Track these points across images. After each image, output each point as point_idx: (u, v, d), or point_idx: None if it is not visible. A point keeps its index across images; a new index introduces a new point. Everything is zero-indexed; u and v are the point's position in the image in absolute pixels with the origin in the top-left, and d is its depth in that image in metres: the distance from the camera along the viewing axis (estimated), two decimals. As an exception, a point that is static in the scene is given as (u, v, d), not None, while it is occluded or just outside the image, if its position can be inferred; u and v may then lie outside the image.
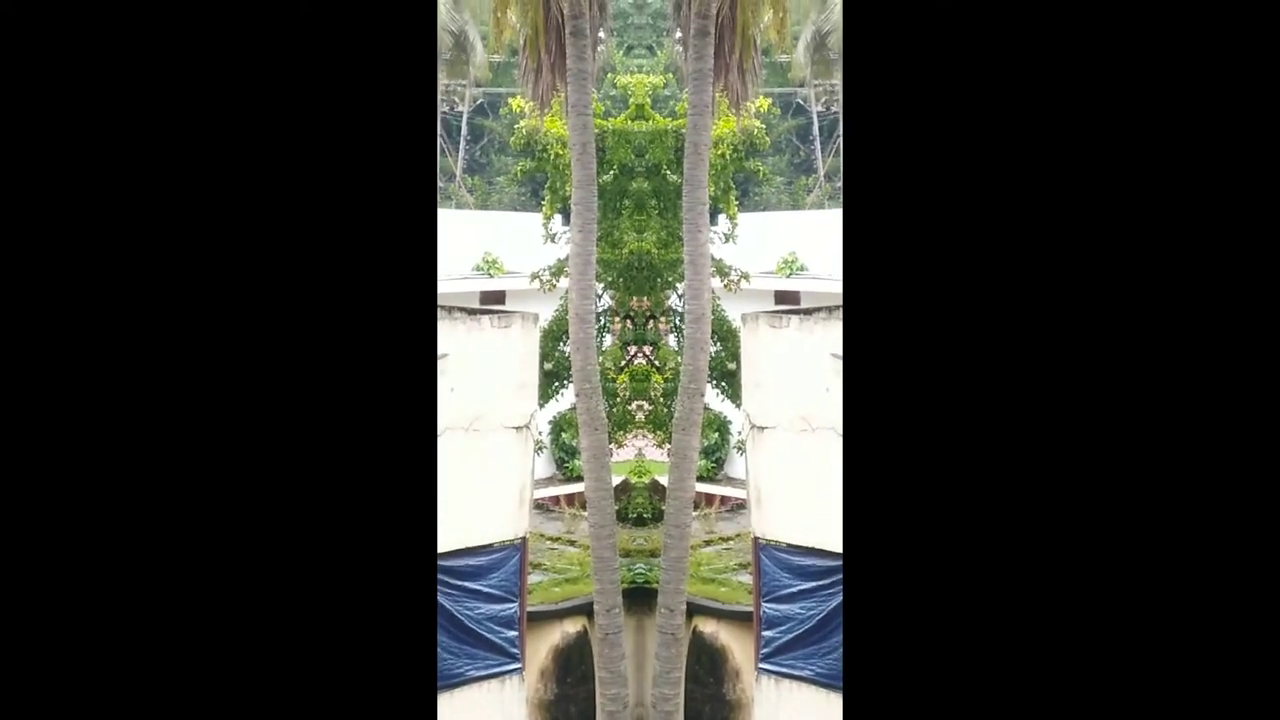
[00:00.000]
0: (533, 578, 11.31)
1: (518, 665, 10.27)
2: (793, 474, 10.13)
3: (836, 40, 23.78)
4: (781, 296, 17.40)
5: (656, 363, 13.44)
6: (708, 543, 13.44)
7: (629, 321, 13.59)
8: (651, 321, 13.50)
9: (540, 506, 14.45)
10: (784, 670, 10.18)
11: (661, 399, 13.08)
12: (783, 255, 18.01)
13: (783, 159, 25.10)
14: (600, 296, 12.78)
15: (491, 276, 17.97)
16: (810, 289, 17.27)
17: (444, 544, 8.22)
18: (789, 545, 10.17)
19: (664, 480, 10.58)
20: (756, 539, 10.42)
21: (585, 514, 10.34)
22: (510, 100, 14.68)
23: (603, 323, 13.35)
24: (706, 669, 11.08)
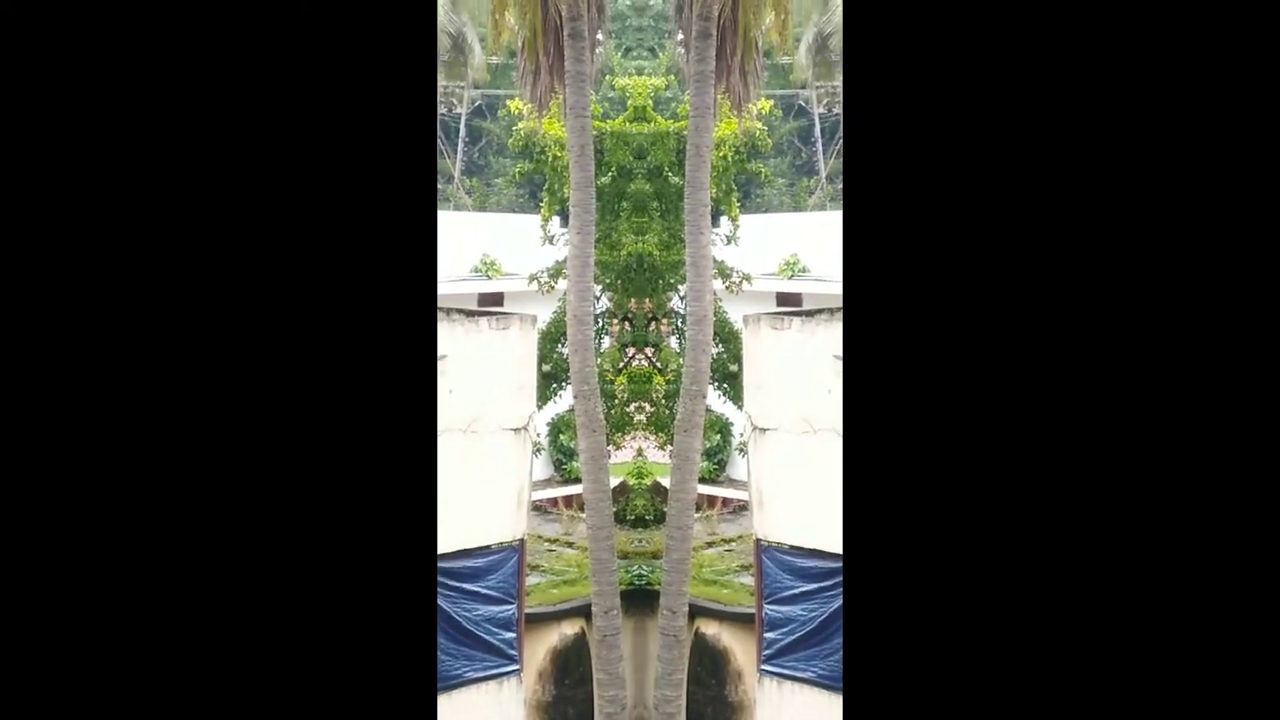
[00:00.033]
0: (531, 579, 11.31)
1: (516, 667, 10.27)
2: (795, 476, 10.13)
3: (838, 42, 23.76)
4: (783, 298, 17.43)
5: (658, 364, 13.42)
6: (710, 544, 13.42)
7: (627, 323, 13.58)
8: (652, 323, 13.48)
9: (538, 508, 14.44)
10: (786, 672, 10.17)
11: (663, 401, 13.05)
12: (784, 257, 18.05)
13: (785, 161, 25.06)
14: (598, 298, 12.76)
15: (489, 278, 17.99)
16: (812, 291, 17.30)
17: (442, 545, 8.19)
18: (791, 547, 10.17)
19: (665, 482, 10.56)
20: (758, 541, 10.41)
21: (583, 516, 10.32)
22: (508, 102, 14.66)
23: (601, 325, 13.33)
24: (708, 670, 11.07)
